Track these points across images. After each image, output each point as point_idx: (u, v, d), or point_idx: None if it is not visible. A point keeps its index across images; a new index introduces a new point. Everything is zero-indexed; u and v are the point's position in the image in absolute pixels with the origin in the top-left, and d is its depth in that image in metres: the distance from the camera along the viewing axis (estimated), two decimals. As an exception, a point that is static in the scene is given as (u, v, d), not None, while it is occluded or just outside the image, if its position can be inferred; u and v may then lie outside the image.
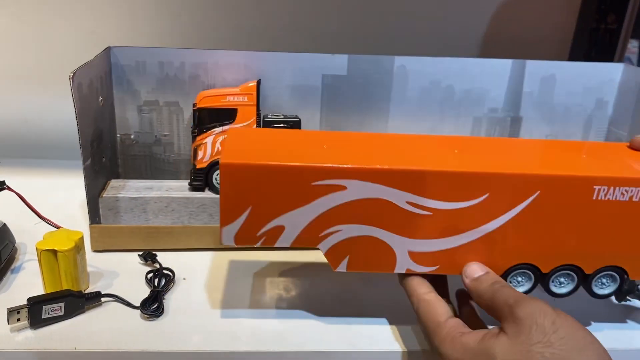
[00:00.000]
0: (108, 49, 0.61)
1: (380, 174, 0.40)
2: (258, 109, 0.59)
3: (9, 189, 0.53)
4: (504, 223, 0.42)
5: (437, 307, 0.41)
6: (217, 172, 0.58)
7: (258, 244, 0.42)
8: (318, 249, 0.43)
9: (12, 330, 0.44)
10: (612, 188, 0.41)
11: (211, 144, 0.58)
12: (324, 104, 0.65)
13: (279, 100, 0.64)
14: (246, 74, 0.63)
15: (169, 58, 0.62)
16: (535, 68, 0.65)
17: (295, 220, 0.42)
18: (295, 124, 0.59)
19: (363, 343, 0.45)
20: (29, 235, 0.57)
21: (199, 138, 0.59)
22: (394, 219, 0.42)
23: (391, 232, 0.42)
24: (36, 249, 0.47)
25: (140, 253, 0.55)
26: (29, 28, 0.78)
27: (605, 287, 0.45)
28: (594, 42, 0.80)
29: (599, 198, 0.41)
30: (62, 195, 0.69)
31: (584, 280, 0.44)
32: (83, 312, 0.47)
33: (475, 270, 0.42)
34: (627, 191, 0.41)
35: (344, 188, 0.41)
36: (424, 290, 0.43)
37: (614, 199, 0.41)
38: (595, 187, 0.41)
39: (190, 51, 0.62)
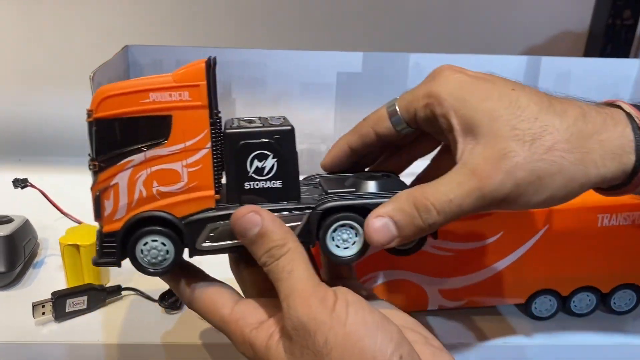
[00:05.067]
0: (126, 47, 0.62)
1: None
2: (213, 111, 0.32)
3: (32, 185, 0.54)
4: (521, 256, 0.45)
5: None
6: (145, 239, 0.33)
7: None
8: None
9: (38, 323, 0.45)
10: (614, 215, 0.43)
11: (127, 185, 0.33)
12: (339, 101, 0.65)
13: (293, 98, 0.65)
14: (262, 71, 0.63)
15: (185, 56, 0.63)
16: (551, 64, 0.65)
17: None
18: (284, 134, 0.33)
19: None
20: (50, 231, 0.58)
21: (102, 176, 0.33)
22: (421, 262, 0.45)
23: (420, 273, 0.46)
24: (59, 243, 0.48)
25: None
26: (48, 28, 0.79)
27: (624, 306, 0.47)
28: (609, 38, 0.79)
29: (604, 225, 0.44)
30: (83, 191, 0.70)
31: (603, 299, 0.47)
32: (104, 305, 0.48)
33: None
34: (629, 216, 0.43)
35: None
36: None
37: (617, 224, 0.44)
38: (598, 215, 0.43)
39: (207, 49, 0.63)
